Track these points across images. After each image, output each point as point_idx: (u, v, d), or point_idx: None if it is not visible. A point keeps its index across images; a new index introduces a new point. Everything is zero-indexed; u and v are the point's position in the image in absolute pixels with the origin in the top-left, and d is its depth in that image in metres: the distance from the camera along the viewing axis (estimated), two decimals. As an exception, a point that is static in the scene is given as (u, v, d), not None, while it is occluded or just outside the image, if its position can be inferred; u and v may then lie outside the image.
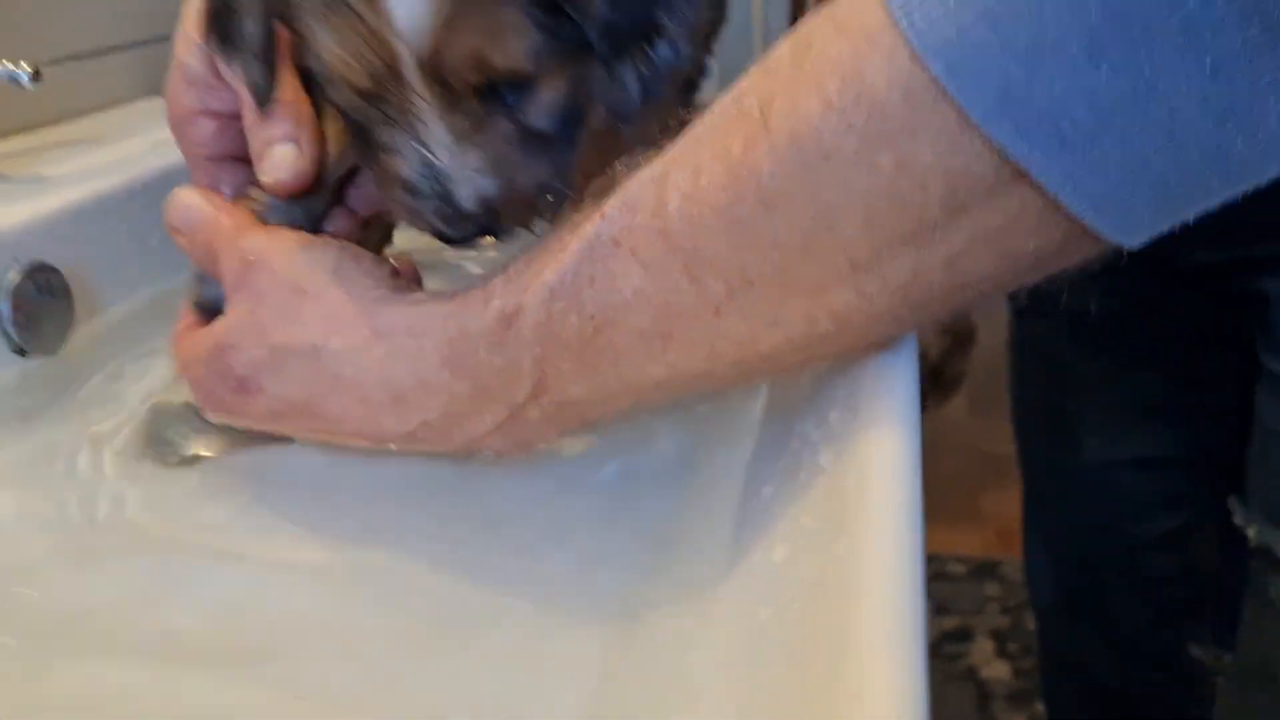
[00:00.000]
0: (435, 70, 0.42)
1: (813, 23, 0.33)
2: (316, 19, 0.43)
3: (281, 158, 0.49)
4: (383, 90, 0.43)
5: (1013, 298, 0.77)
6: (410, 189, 0.44)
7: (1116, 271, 0.59)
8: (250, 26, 0.45)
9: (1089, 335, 0.74)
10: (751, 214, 0.33)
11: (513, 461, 0.47)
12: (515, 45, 0.42)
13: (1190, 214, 0.31)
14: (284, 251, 0.45)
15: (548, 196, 0.46)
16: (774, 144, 0.32)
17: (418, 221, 0.46)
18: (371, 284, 0.44)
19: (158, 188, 0.67)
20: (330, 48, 0.43)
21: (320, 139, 0.49)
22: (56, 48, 0.80)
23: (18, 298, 0.56)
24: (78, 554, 0.45)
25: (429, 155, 0.44)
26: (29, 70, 0.63)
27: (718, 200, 0.33)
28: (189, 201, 0.48)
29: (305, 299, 0.44)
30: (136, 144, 0.73)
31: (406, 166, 0.44)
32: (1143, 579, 0.79)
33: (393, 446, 0.45)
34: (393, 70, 0.42)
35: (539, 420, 0.41)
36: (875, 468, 0.32)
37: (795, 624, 0.31)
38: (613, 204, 0.37)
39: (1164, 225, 0.31)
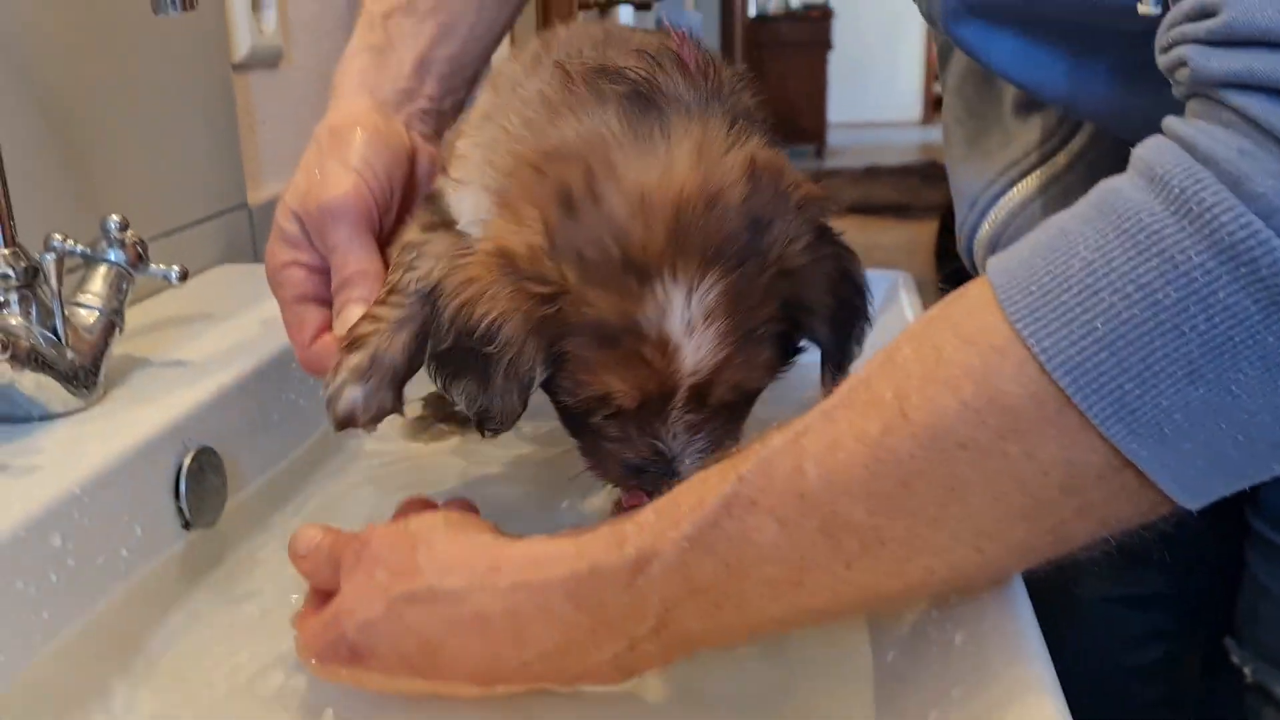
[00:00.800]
0: (697, 393, 0.52)
1: (932, 328, 0.40)
2: (602, 363, 0.51)
3: (351, 315, 0.60)
4: (645, 406, 0.52)
5: None
6: (634, 470, 0.54)
7: None
8: (525, 369, 0.51)
9: None
10: (890, 488, 0.39)
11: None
12: (763, 373, 0.53)
13: (1247, 485, 0.38)
14: (395, 524, 0.51)
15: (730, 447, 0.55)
16: (914, 432, 0.38)
17: (623, 483, 0.55)
18: (483, 530, 0.50)
19: (277, 367, 0.76)
20: (613, 382, 0.51)
21: None
22: (154, 223, 0.88)
23: (190, 479, 0.64)
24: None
25: (661, 445, 0.53)
26: (178, 270, 0.71)
27: (858, 474, 0.39)
28: (312, 534, 0.53)
29: (419, 548, 0.48)
30: (248, 322, 0.81)
31: (633, 453, 0.53)
32: (1132, 704, 0.86)
33: (500, 688, 0.48)
34: (663, 396, 0.52)
35: (653, 652, 0.45)
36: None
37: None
38: (748, 467, 0.42)
39: (1226, 493, 0.38)
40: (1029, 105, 0.67)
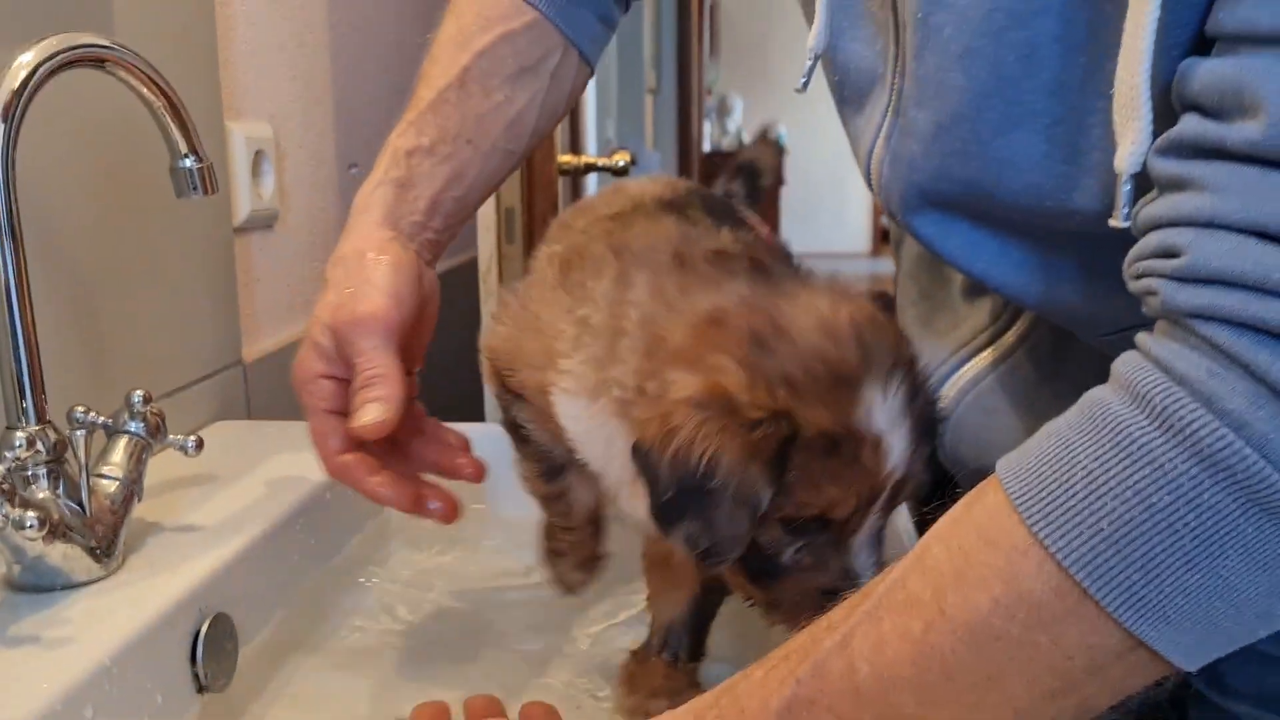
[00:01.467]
0: (893, 494, 0.55)
1: (958, 530, 0.45)
2: (830, 477, 0.54)
3: (368, 409, 0.66)
4: (856, 512, 0.55)
5: None
6: (828, 594, 0.53)
7: None
8: (764, 493, 0.53)
9: None
10: (935, 680, 0.44)
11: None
12: (927, 474, 0.57)
13: (1237, 647, 0.43)
14: None
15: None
16: (954, 629, 0.43)
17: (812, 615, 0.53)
18: None
19: (284, 531, 0.80)
20: (834, 491, 0.54)
21: (400, 406, 0.66)
22: (157, 384, 0.92)
23: (207, 644, 0.67)
24: None
25: (857, 560, 0.56)
26: (194, 441, 0.75)
27: (905, 670, 0.44)
28: None
29: None
30: (253, 483, 0.85)
31: (828, 577, 0.56)
32: None
33: None
34: (870, 500, 0.55)
35: None
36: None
37: None
38: (804, 670, 0.46)
39: (1220, 654, 0.43)
40: (977, 289, 0.73)
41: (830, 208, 7.72)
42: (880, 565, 0.56)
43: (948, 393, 0.73)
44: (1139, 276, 0.45)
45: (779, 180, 7.46)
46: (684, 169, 6.37)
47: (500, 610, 0.85)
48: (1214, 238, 0.41)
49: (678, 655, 0.70)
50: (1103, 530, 0.41)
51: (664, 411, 0.54)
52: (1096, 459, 0.42)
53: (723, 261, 0.60)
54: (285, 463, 0.90)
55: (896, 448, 0.54)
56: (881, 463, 0.54)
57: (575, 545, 0.71)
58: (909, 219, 0.61)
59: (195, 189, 0.77)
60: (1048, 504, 0.42)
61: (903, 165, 0.60)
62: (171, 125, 0.75)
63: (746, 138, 7.73)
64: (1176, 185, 0.43)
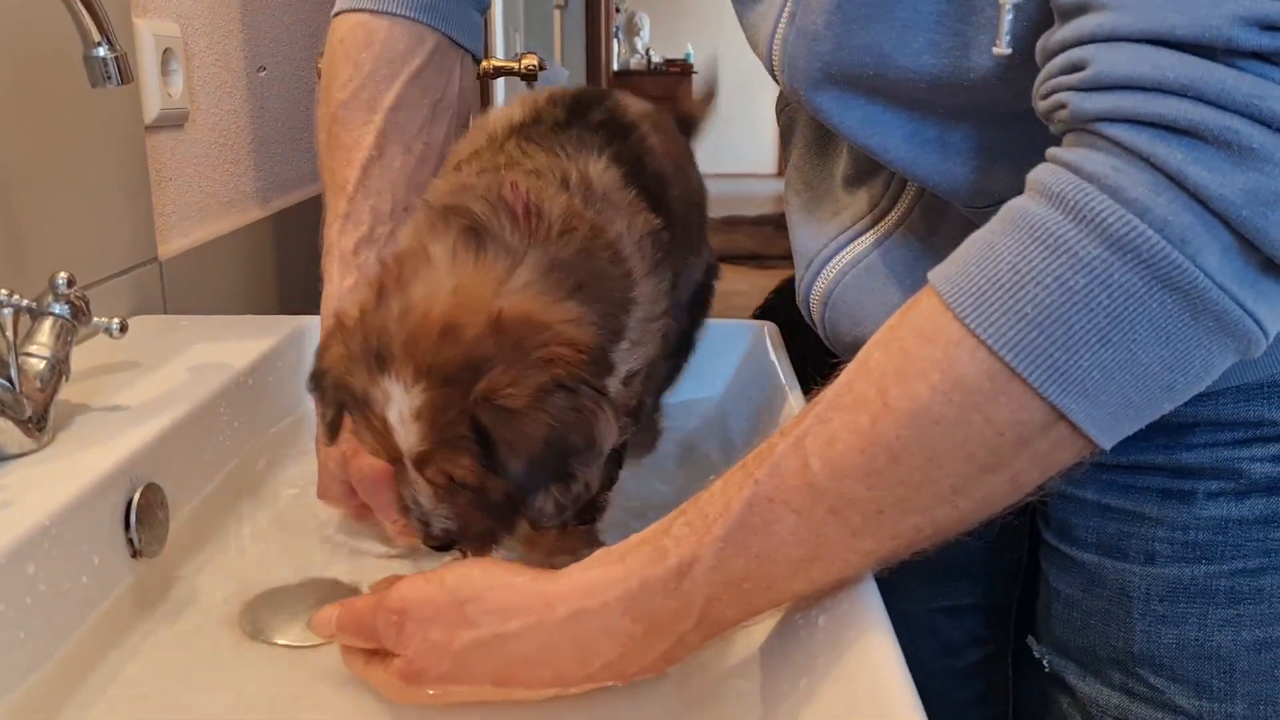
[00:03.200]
0: (420, 468, 0.63)
1: (895, 334, 0.50)
2: (360, 422, 0.64)
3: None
4: (393, 463, 0.65)
5: None
6: (407, 511, 0.66)
7: None
8: (329, 403, 0.67)
9: None
10: (883, 466, 0.49)
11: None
12: (468, 473, 0.62)
13: (1143, 423, 0.49)
14: (424, 583, 0.58)
15: (494, 535, 0.67)
16: (897, 418, 0.48)
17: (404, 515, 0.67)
18: (517, 571, 0.57)
19: (209, 410, 0.83)
20: (366, 438, 0.64)
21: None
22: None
23: (139, 512, 0.70)
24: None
25: (417, 498, 0.65)
26: (119, 323, 0.78)
27: (854, 460, 0.49)
28: (327, 617, 0.61)
29: (467, 604, 0.55)
30: (175, 369, 0.88)
31: (408, 499, 0.65)
32: (953, 702, 0.97)
33: (572, 689, 0.56)
34: (399, 461, 0.64)
35: (694, 641, 0.54)
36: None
37: None
38: (762, 471, 0.51)
39: (1130, 431, 0.49)
40: (857, 179, 0.79)
41: (738, 129, 7.75)
42: (462, 524, 0.65)
43: (829, 274, 0.78)
44: (1047, 95, 0.50)
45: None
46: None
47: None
48: (1115, 49, 0.46)
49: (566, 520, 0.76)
50: (1027, 314, 0.47)
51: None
52: (1019, 254, 0.47)
53: (451, 216, 0.65)
54: (206, 351, 0.93)
55: (401, 436, 0.62)
56: (390, 440, 0.62)
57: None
58: (811, 96, 0.65)
59: (109, 78, 0.78)
60: (976, 298, 0.48)
61: (805, 40, 0.64)
62: (84, 13, 0.76)
63: (655, 58, 7.70)
64: (1078, 10, 0.49)
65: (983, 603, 0.95)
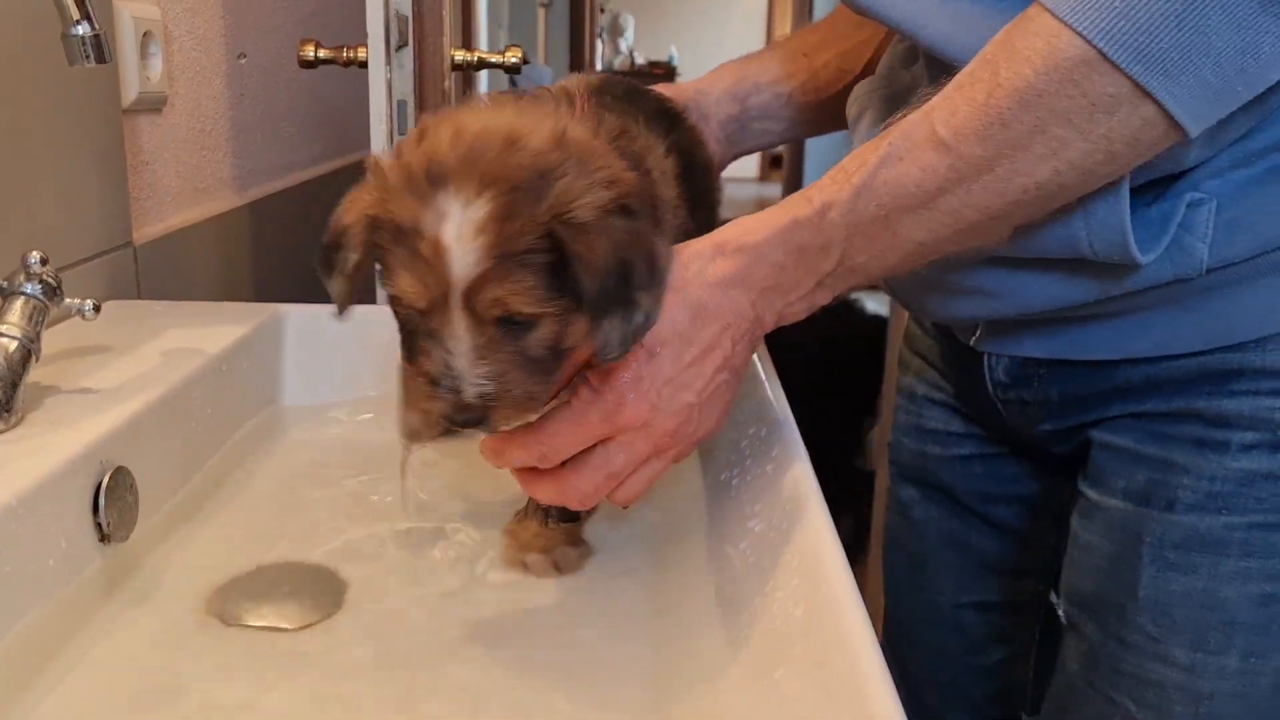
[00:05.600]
0: (469, 303, 0.58)
1: (1005, 38, 0.58)
2: (399, 261, 0.59)
3: None
4: (433, 310, 0.59)
5: (898, 463, 1.00)
6: (434, 380, 0.60)
7: (987, 460, 0.85)
8: (351, 257, 0.62)
9: (953, 506, 0.96)
10: (997, 131, 0.58)
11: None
12: (527, 299, 0.58)
13: (1225, 111, 0.57)
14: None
15: (531, 399, 0.62)
16: (1007, 92, 0.57)
17: (433, 405, 0.61)
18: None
19: (182, 395, 0.82)
20: (405, 278, 0.59)
21: None
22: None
23: (108, 496, 0.69)
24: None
25: (452, 360, 0.59)
26: (91, 304, 0.77)
27: (974, 124, 0.58)
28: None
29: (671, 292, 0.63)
30: (148, 354, 0.87)
31: (433, 365, 0.60)
32: (973, 700, 0.99)
33: (724, 346, 0.64)
34: (444, 299, 0.58)
35: (831, 285, 0.64)
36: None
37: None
38: (894, 136, 0.61)
39: (1213, 118, 0.57)
40: None
41: (721, 132, 7.77)
42: (500, 384, 0.60)
43: None
44: None
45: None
46: (576, 88, 6.31)
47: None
48: None
49: (548, 516, 0.75)
50: (1115, 7, 0.55)
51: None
52: None
53: (521, 95, 0.68)
54: (179, 337, 0.92)
55: (456, 255, 0.57)
56: (441, 264, 0.57)
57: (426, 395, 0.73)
58: None
59: (88, 57, 0.77)
60: (1073, 1, 0.56)
61: None
62: (63, -10, 0.75)
63: (639, 59, 7.70)
64: None
65: (1011, 600, 0.96)
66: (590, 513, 0.76)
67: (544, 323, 0.60)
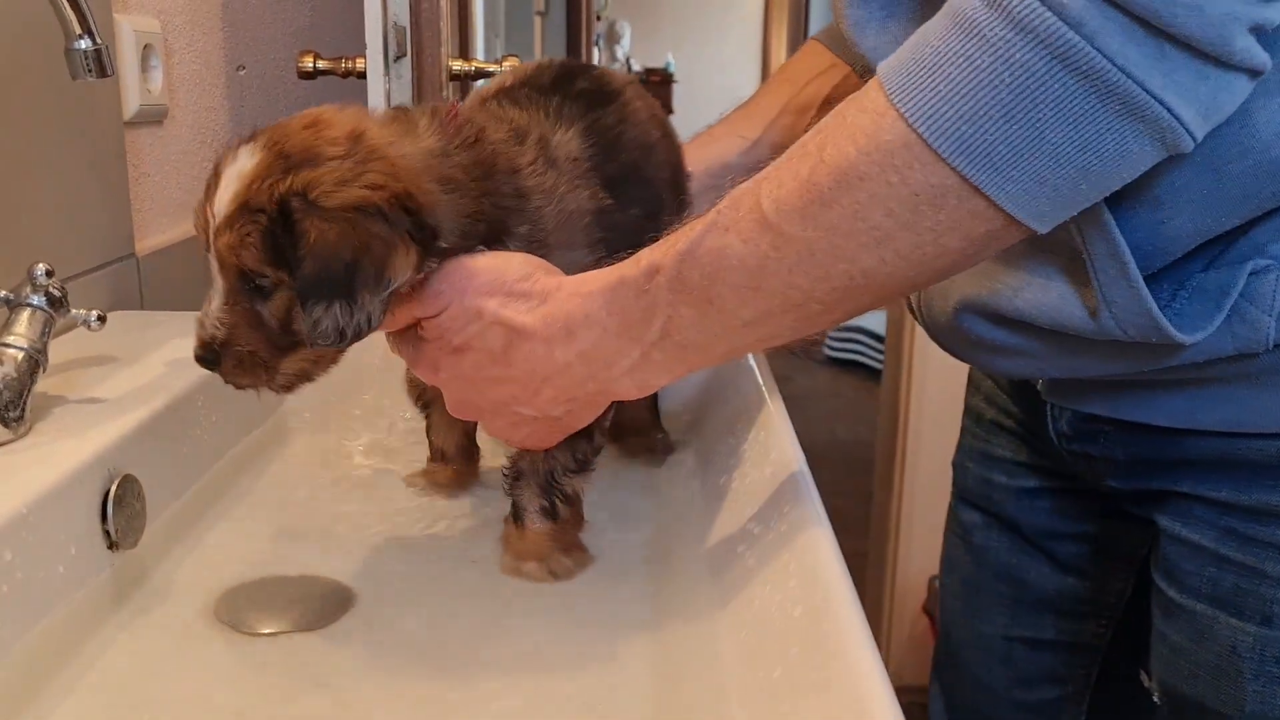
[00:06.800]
0: (216, 243, 0.63)
1: (844, 107, 0.55)
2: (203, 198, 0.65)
3: None
4: (207, 247, 0.65)
5: (962, 486, 0.97)
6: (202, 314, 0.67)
7: (1054, 494, 0.81)
8: None
9: (1014, 540, 0.92)
10: (817, 210, 0.54)
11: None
12: (250, 254, 0.62)
13: (1074, 209, 0.54)
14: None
15: (257, 363, 0.66)
16: (828, 170, 0.54)
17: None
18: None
19: (187, 403, 0.83)
20: (197, 212, 0.66)
21: None
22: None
23: (116, 504, 0.70)
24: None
25: (210, 298, 0.65)
26: (96, 315, 0.78)
27: (795, 202, 0.55)
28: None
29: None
30: (153, 363, 0.88)
31: (206, 300, 0.66)
32: None
33: (546, 392, 0.65)
34: (206, 236, 0.65)
35: (662, 362, 0.61)
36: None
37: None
38: (725, 204, 0.58)
39: (1061, 216, 0.53)
40: None
41: (717, 138, 7.78)
42: (214, 314, 0.66)
43: None
44: None
45: (666, 110, 7.51)
46: (572, 95, 6.32)
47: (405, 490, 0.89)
48: None
49: (517, 518, 0.76)
50: (940, 91, 0.51)
51: None
52: (942, 39, 0.52)
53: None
54: (184, 346, 0.90)
55: (219, 191, 0.63)
56: (210, 198, 0.64)
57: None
58: None
59: (90, 71, 0.78)
60: (904, 76, 0.52)
61: None
62: (66, 6, 0.76)
63: (636, 66, 7.72)
64: None
65: (1068, 640, 0.92)
66: (579, 518, 0.77)
67: (278, 293, 0.64)
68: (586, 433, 0.73)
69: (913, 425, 2.21)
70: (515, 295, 0.64)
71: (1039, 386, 0.78)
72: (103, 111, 1.04)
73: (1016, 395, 0.88)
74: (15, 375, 0.72)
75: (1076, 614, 0.91)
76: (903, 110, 0.52)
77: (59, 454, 0.69)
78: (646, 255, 0.61)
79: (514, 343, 0.64)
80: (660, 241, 0.61)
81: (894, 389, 2.27)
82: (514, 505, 0.75)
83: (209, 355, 0.66)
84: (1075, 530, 0.89)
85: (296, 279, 0.61)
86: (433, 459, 0.88)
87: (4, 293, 0.73)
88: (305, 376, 0.69)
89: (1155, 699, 0.77)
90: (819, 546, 0.58)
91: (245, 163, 0.63)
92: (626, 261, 0.62)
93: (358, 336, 0.63)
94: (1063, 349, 0.68)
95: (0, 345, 0.72)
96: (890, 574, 2.31)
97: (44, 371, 0.75)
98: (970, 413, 0.97)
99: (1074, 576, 0.90)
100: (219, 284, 0.65)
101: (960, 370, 0.96)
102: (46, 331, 0.76)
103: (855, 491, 2.67)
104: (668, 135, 0.85)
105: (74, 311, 0.77)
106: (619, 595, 0.72)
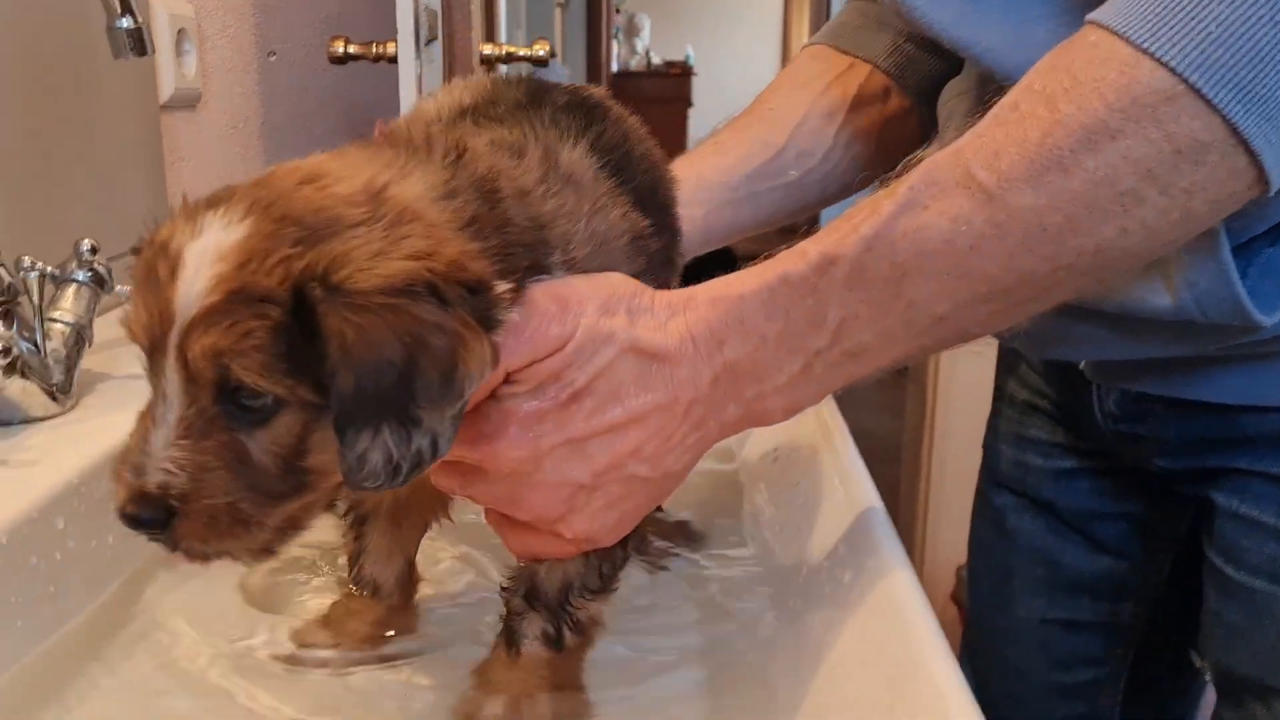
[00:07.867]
0: (184, 349, 0.44)
1: (1059, 62, 0.48)
2: (136, 284, 0.47)
3: None
4: (154, 353, 0.46)
5: (994, 469, 0.93)
6: (124, 452, 0.46)
7: (1093, 475, 0.78)
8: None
9: (1050, 522, 0.89)
10: (1055, 179, 0.47)
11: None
12: (250, 363, 0.43)
13: None
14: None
15: (232, 520, 0.46)
16: (1070, 130, 0.47)
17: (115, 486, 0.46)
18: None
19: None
20: (134, 303, 0.46)
21: None
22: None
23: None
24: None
25: (151, 430, 0.45)
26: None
27: (1023, 170, 0.47)
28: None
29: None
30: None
31: (133, 432, 0.46)
32: (1051, 718, 0.92)
33: (680, 434, 0.50)
34: (164, 338, 0.45)
35: (821, 376, 0.51)
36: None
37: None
38: (913, 181, 0.49)
39: None
40: None
41: (737, 131, 7.78)
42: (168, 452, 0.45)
43: None
44: None
45: (686, 103, 7.50)
46: (593, 88, 6.33)
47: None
48: None
49: (510, 644, 0.59)
50: (1210, 33, 0.45)
51: None
52: None
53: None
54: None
55: (189, 275, 0.44)
56: (171, 289, 0.44)
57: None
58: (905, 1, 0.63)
59: (131, 49, 0.79)
60: (1153, 22, 0.46)
61: None
62: (108, -16, 0.77)
63: (655, 59, 7.72)
64: None
65: (1105, 621, 0.90)
66: (585, 649, 0.60)
67: (282, 415, 0.45)
68: (611, 561, 0.58)
69: (940, 415, 2.20)
70: (638, 311, 0.52)
71: (1082, 367, 0.75)
72: (139, 96, 1.05)
73: (1051, 376, 0.86)
74: (64, 350, 0.73)
75: (1114, 595, 0.89)
76: (1162, 56, 0.46)
77: (107, 427, 0.70)
78: (812, 245, 0.51)
79: (650, 370, 0.51)
80: (828, 228, 0.51)
81: (921, 379, 2.26)
82: (507, 629, 0.59)
83: (152, 515, 0.45)
84: (1115, 510, 0.86)
85: (332, 398, 0.44)
86: (355, 594, 0.66)
87: (51, 268, 0.73)
88: (295, 527, 0.49)
89: (1207, 679, 0.76)
90: (872, 515, 0.58)
91: (224, 234, 0.44)
92: (784, 254, 0.52)
93: (417, 469, 0.45)
94: (1125, 333, 0.65)
95: (48, 320, 0.73)
96: (918, 562, 2.30)
97: (89, 346, 0.75)
98: (1002, 394, 0.94)
99: (1112, 557, 0.88)
100: (176, 406, 0.45)
101: (990, 359, 0.94)
102: (92, 307, 0.76)
103: (882, 481, 2.66)
104: (660, 151, 0.72)
105: (120, 288, 0.78)
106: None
